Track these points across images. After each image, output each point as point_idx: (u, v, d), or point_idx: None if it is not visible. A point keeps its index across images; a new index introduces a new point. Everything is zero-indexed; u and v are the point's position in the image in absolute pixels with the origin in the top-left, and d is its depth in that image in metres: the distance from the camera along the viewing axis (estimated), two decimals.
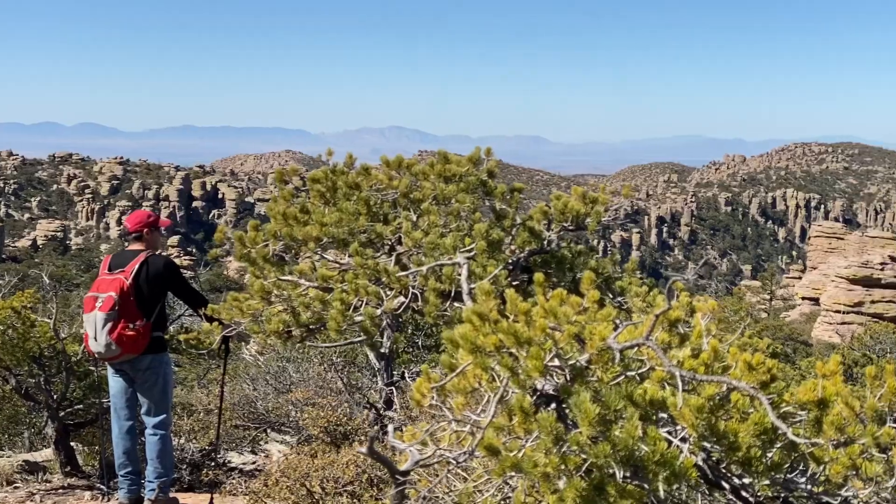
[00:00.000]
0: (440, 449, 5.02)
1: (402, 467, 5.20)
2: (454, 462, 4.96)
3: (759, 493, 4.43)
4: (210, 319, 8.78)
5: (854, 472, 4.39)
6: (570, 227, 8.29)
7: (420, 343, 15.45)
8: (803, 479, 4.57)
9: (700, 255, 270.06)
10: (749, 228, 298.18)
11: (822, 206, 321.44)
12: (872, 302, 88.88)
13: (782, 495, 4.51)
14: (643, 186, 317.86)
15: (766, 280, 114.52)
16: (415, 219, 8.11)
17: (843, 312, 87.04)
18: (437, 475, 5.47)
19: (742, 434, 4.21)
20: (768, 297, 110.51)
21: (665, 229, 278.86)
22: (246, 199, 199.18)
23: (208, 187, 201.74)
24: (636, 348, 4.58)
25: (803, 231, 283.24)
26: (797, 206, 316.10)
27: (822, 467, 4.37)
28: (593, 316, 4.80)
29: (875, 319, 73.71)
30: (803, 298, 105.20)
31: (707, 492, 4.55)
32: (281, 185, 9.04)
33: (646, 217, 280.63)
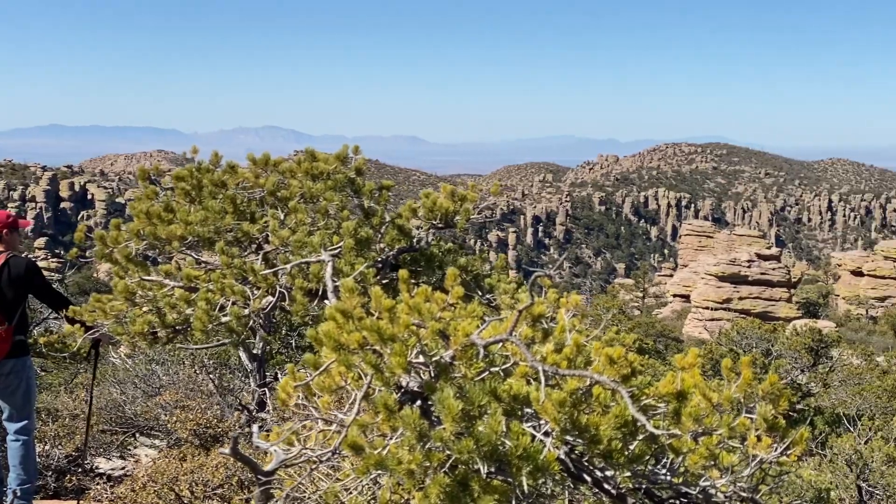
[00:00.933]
0: (305, 448, 4.96)
1: (267, 467, 5.13)
2: (319, 461, 4.91)
3: (620, 485, 4.49)
4: (72, 321, 8.54)
5: (713, 463, 4.48)
6: (440, 225, 8.29)
7: (294, 343, 15.31)
8: (664, 471, 4.65)
9: (574, 255, 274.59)
10: (622, 227, 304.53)
11: (693, 205, 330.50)
12: (740, 298, 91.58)
13: (643, 486, 4.58)
14: (519, 186, 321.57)
15: (639, 278, 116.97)
16: (282, 217, 8.01)
17: (713, 309, 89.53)
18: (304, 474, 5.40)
19: (603, 427, 4.25)
20: (641, 294, 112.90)
21: (541, 229, 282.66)
22: (116, 200, 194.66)
23: (77, 188, 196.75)
24: (500, 344, 4.59)
25: (674, 230, 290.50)
26: (668, 205, 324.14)
27: (681, 458, 4.45)
28: (459, 312, 4.81)
29: (743, 315, 75.92)
30: (674, 296, 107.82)
31: (572, 485, 4.59)
32: (145, 183, 8.83)
33: (522, 217, 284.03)
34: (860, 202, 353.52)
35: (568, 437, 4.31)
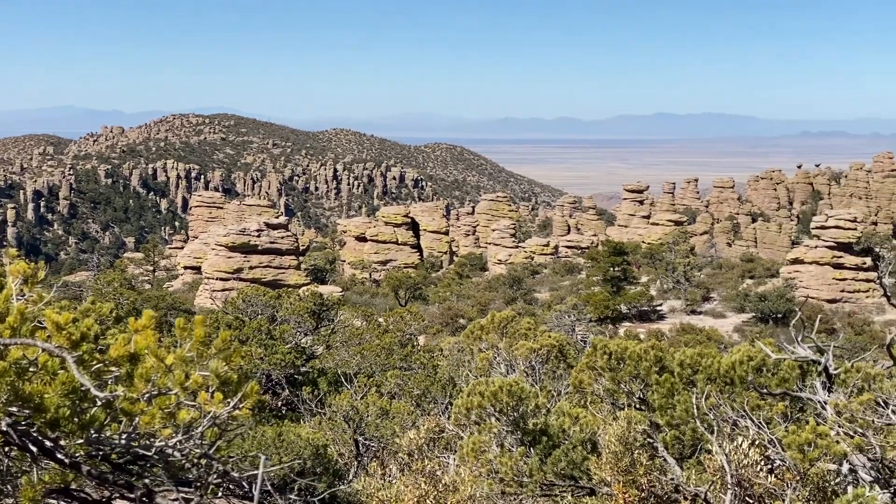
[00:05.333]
0: None
1: None
2: None
3: (74, 454, 4.38)
4: None
5: (173, 422, 4.49)
6: None
7: None
8: (124, 435, 4.59)
9: (81, 230, 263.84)
10: (131, 200, 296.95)
11: (203, 176, 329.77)
12: (251, 268, 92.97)
13: (101, 452, 4.50)
14: (17, 160, 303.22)
15: (149, 251, 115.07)
16: None
17: (224, 279, 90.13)
18: None
19: (49, 395, 4.12)
20: (151, 268, 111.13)
21: (43, 204, 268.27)
22: None
23: None
24: None
25: (185, 201, 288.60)
26: (178, 176, 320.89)
27: (135, 420, 4.42)
28: None
29: (254, 284, 77.11)
30: (186, 268, 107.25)
31: (20, 458, 4.41)
32: None
33: (21, 192, 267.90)
34: (363, 171, 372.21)
35: (12, 409, 4.12)
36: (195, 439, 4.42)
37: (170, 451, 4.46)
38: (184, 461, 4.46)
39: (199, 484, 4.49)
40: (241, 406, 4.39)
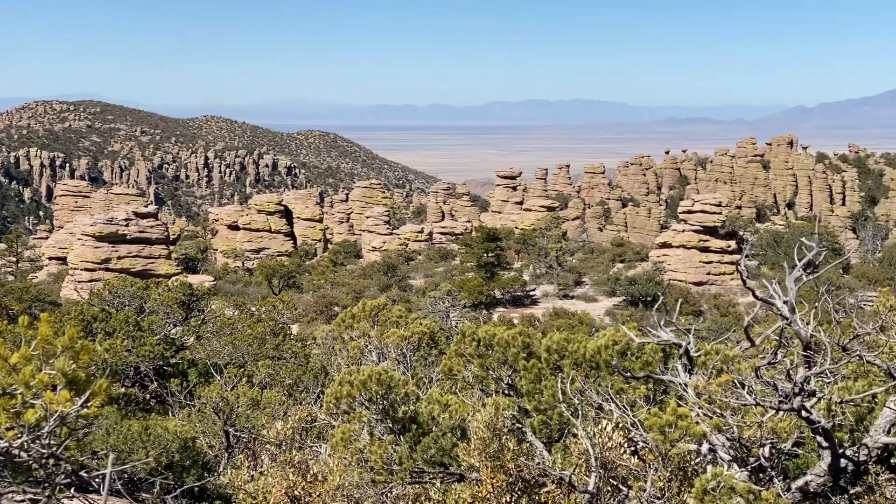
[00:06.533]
0: None
1: None
2: None
3: None
4: None
5: (19, 422, 4.35)
6: None
7: None
8: None
9: None
10: None
11: (68, 164, 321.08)
12: (119, 258, 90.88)
13: None
14: None
15: (12, 242, 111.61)
16: None
17: (91, 270, 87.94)
18: None
19: None
20: (15, 259, 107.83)
21: None
22: None
23: None
24: None
25: (50, 190, 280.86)
26: (42, 165, 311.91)
27: None
28: None
29: (123, 275, 75.49)
30: (51, 259, 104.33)
31: None
32: None
33: None
34: (235, 158, 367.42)
35: None
36: (42, 439, 4.29)
37: (16, 451, 4.32)
38: (31, 462, 4.32)
39: (46, 484, 4.36)
40: (89, 404, 4.27)
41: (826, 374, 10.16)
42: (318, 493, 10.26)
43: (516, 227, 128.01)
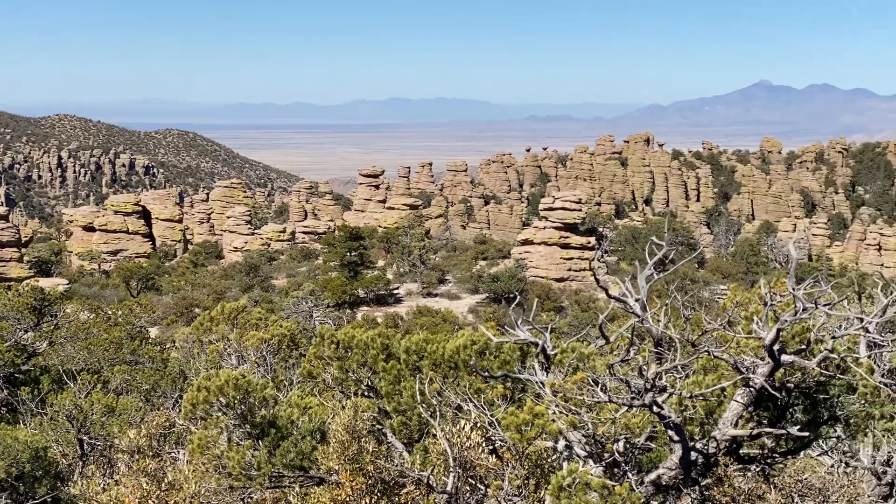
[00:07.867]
0: None
1: None
2: None
3: None
4: None
5: None
6: None
7: None
8: None
9: None
10: None
11: None
12: None
13: None
14: None
15: None
16: None
17: None
18: None
19: None
20: None
21: None
22: None
23: None
24: None
25: None
26: None
27: None
28: None
29: None
30: None
31: None
32: None
33: None
34: (90, 158, 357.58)
35: None
36: None
37: None
38: None
39: None
40: None
41: (677, 370, 10.44)
42: (173, 501, 10.05)
43: (379, 226, 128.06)
